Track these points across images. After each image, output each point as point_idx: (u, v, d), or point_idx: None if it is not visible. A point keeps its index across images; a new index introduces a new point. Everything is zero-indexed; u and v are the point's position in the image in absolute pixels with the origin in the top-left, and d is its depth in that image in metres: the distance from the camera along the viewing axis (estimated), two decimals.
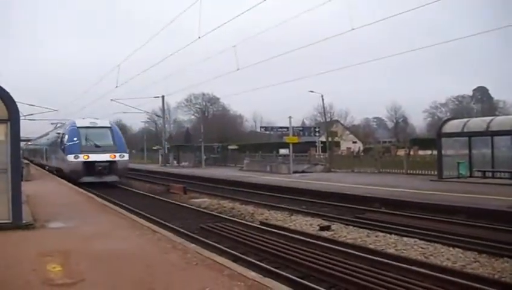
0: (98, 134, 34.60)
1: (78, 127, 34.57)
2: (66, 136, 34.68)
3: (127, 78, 46.16)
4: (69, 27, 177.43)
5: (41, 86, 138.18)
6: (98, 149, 33.48)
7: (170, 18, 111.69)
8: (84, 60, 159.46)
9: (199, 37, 27.12)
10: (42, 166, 47.79)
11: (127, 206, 20.28)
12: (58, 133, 39.29)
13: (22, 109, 13.18)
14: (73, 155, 32.94)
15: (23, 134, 14.37)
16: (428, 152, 48.97)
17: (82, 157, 32.63)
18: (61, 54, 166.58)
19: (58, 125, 49.03)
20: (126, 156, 34.86)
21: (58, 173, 36.57)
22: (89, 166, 32.59)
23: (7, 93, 12.29)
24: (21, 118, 13.20)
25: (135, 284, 7.24)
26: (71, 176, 32.43)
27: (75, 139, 33.70)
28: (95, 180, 32.19)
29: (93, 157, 32.81)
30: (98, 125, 35.80)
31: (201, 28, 26.91)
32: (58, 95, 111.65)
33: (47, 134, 51.83)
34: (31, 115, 52.48)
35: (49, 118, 66.94)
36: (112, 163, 33.26)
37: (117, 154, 33.68)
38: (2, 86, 12.48)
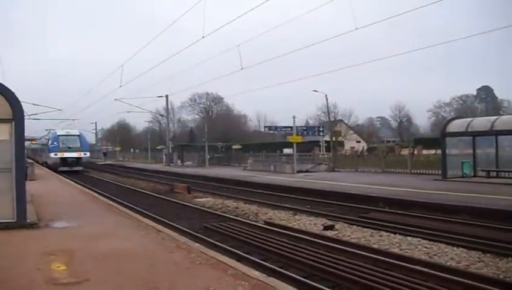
0: (71, 139, 52.26)
1: (58, 135, 52.60)
2: (50, 141, 53.63)
3: (131, 77, 46.33)
4: (70, 27, 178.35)
5: (44, 86, 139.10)
6: (70, 149, 51.11)
7: (174, 18, 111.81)
8: (87, 60, 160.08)
9: (203, 37, 27.13)
10: (37, 161, 58.48)
11: (131, 205, 20.28)
12: (46, 139, 59.16)
13: (26, 108, 13.22)
14: (54, 153, 51.02)
15: (27, 133, 14.47)
16: (432, 152, 48.92)
17: (59, 155, 50.64)
18: (63, 53, 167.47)
19: (48, 132, 64.72)
20: (88, 154, 53.91)
21: (46, 165, 54.21)
22: (64, 160, 50.46)
23: (12, 92, 12.34)
24: (25, 117, 13.21)
25: (139, 284, 7.26)
26: (53, 167, 50.10)
27: (55, 143, 51.53)
28: (67, 169, 48.38)
29: (67, 154, 50.73)
30: (71, 134, 53.62)
31: (205, 27, 26.95)
32: (62, 95, 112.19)
33: (40, 138, 68.04)
34: (35, 114, 53.34)
35: (53, 117, 67.75)
36: (78, 158, 51.40)
37: (82, 153, 51.76)
38: (6, 85, 12.53)
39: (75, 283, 7.32)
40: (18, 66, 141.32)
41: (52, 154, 51.26)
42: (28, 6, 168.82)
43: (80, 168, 50.85)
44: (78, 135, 54.01)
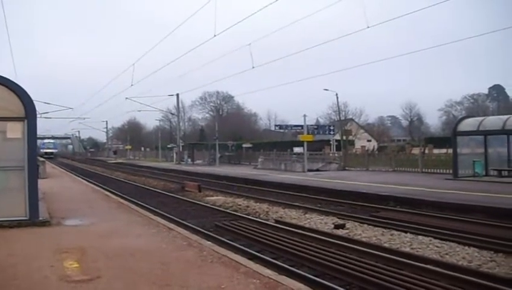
0: (49, 144, 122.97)
1: (44, 142, 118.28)
2: (42, 144, 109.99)
3: (142, 76, 46.67)
4: (80, 26, 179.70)
5: (55, 85, 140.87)
6: (48, 148, 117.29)
7: (185, 17, 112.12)
8: (98, 60, 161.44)
9: (214, 35, 27.29)
10: None
11: (142, 204, 20.34)
12: (39, 143, 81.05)
13: (38, 107, 13.32)
14: (42, 149, 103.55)
15: (39, 132, 14.62)
16: (444, 151, 48.73)
17: (44, 150, 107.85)
18: (72, 54, 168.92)
19: (43, 141, 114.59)
20: (56, 150, 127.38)
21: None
22: (46, 153, 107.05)
23: (24, 91, 12.42)
24: (37, 116, 13.29)
25: (151, 281, 7.30)
26: (40, 155, 63.60)
27: (43, 145, 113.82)
28: (48, 157, 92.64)
29: (47, 150, 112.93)
30: (50, 142, 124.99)
31: (216, 26, 27.23)
32: (73, 95, 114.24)
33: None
34: (47, 113, 54.13)
35: (64, 116, 68.83)
36: (52, 152, 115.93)
37: (54, 150, 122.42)
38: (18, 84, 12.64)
39: (87, 280, 7.37)
40: (29, 63, 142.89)
41: (41, 150, 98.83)
42: (34, 4, 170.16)
43: (52, 156, 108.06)
44: (53, 142, 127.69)
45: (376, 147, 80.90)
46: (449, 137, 31.94)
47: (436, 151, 53.31)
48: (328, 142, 65.99)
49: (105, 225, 12.92)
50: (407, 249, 11.67)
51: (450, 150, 31.81)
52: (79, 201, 19.00)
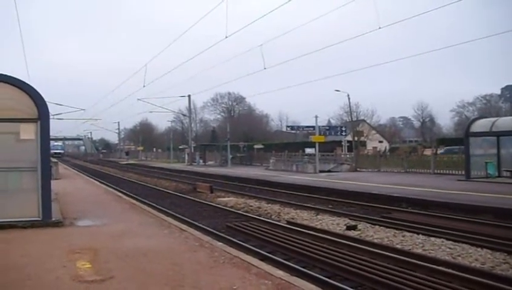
0: (57, 146, 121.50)
1: (54, 144, 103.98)
2: (52, 146, 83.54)
3: (154, 78, 46.80)
4: (88, 28, 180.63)
5: (68, 86, 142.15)
6: (57, 149, 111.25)
7: (197, 18, 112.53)
8: (111, 62, 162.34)
9: (226, 37, 27.29)
10: None
11: (154, 205, 20.41)
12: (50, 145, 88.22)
13: (50, 108, 13.34)
14: (52, 150, 76.17)
15: (51, 133, 14.67)
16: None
17: (53, 151, 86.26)
18: (86, 55, 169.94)
19: (53, 143, 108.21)
20: (63, 151, 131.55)
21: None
22: (55, 154, 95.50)
23: (37, 92, 12.48)
24: (50, 117, 13.35)
25: (163, 282, 7.31)
26: (52, 156, 77.92)
27: (53, 147, 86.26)
28: (56, 157, 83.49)
29: (56, 151, 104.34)
30: (59, 144, 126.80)
31: (228, 27, 27.40)
32: (86, 96, 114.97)
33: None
34: (59, 114, 54.49)
35: (76, 117, 69.60)
36: (60, 153, 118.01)
37: (61, 151, 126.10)
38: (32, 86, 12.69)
39: (99, 280, 7.40)
40: (42, 65, 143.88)
41: (52, 151, 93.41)
42: (49, 6, 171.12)
43: (59, 156, 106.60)
44: (61, 145, 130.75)
45: (388, 148, 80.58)
46: (461, 138, 31.79)
47: None
48: (339, 143, 65.78)
49: (118, 225, 12.95)
50: (419, 251, 11.62)
51: None
52: (91, 202, 19.09)
